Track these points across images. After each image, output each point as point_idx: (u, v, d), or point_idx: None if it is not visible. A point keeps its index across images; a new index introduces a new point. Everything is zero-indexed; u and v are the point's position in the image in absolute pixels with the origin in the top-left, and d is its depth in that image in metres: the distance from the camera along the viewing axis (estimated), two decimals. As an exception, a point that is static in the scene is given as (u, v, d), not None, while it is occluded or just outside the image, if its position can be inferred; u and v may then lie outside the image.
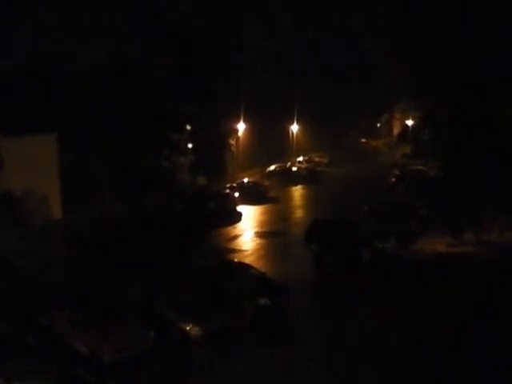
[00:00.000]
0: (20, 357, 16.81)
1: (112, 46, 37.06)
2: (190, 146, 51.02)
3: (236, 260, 28.62)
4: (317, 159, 73.50)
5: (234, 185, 51.18)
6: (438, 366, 17.67)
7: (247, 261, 28.27)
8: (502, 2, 29.38)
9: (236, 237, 36.34)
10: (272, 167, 64.02)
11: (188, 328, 20.03)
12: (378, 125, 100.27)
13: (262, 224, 40.02)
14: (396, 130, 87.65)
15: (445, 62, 31.06)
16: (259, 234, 36.60)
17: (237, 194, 48.06)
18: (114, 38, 37.19)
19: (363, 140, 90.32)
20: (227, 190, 49.27)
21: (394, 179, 49.94)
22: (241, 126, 61.90)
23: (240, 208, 43.71)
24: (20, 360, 16.64)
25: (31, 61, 37.00)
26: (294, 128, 75.68)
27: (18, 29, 35.08)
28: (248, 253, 32.03)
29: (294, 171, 63.77)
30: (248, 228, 38.96)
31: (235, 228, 38.80)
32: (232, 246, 33.92)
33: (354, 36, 70.35)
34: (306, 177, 60.24)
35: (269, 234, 36.56)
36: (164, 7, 43.31)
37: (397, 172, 51.89)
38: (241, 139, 63.27)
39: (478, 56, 29.66)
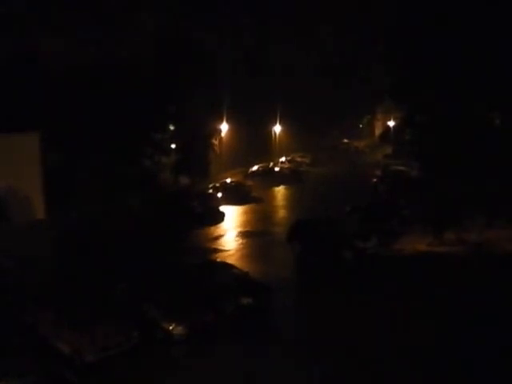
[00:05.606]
0: (3, 356, 16.78)
1: (95, 46, 36.94)
2: (173, 145, 50.94)
3: (219, 260, 28.74)
4: (299, 159, 73.66)
5: (217, 185, 51.22)
6: (430, 364, 17.84)
7: (230, 260, 28.36)
8: (485, 8, 29.83)
9: (219, 237, 36.41)
10: (255, 167, 64.02)
11: (171, 327, 20.12)
12: (361, 125, 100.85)
13: (244, 224, 40.14)
14: (378, 131, 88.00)
15: (426, 63, 31.44)
16: (242, 234, 36.70)
17: (220, 194, 48.19)
18: (96, 38, 37.07)
19: (345, 140, 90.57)
20: (210, 190, 49.39)
21: (375, 179, 50.34)
22: (224, 127, 61.96)
23: (223, 208, 43.76)
24: (3, 360, 16.62)
25: (15, 59, 36.73)
26: (277, 128, 75.86)
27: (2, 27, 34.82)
28: (231, 252, 32.12)
29: (277, 171, 63.80)
30: (231, 228, 39.05)
31: (218, 228, 38.87)
32: (215, 245, 33.98)
33: (339, 36, 70.77)
34: (289, 177, 60.31)
35: (251, 233, 36.69)
36: (145, 8, 43.24)
37: (378, 172, 52.30)
38: (224, 139, 63.30)
39: (459, 58, 30.06)
